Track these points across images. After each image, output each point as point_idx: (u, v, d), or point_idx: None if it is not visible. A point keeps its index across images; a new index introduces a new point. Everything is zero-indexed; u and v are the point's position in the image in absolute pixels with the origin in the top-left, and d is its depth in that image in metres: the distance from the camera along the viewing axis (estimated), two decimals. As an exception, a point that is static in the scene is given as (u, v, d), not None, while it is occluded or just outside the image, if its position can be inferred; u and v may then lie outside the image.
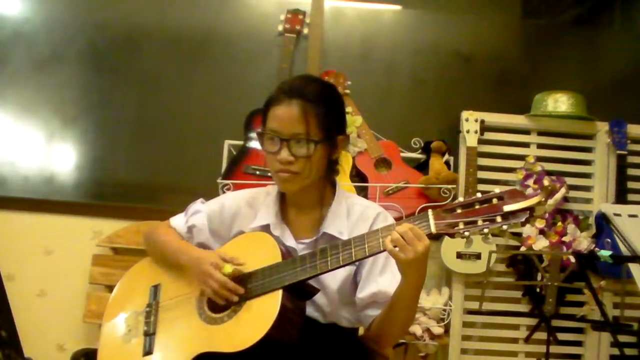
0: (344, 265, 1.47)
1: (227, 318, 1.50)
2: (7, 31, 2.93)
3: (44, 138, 2.90)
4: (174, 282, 1.67)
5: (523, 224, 1.30)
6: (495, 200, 1.34)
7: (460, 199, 1.39)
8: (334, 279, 1.57)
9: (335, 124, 1.59)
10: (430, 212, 1.39)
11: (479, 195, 1.37)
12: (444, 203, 2.59)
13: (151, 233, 1.79)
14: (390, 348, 1.75)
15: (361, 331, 1.78)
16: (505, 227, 1.33)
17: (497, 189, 1.37)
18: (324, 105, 1.55)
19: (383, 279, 1.55)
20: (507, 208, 1.32)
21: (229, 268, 1.50)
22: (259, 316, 1.45)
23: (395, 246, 1.38)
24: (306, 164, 1.53)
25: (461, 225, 1.35)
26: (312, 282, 1.53)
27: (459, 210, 1.37)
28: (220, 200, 1.77)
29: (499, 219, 1.33)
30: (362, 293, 1.57)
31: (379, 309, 1.56)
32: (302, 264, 1.48)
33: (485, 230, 1.34)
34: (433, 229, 1.37)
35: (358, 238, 1.45)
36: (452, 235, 1.37)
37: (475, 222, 1.34)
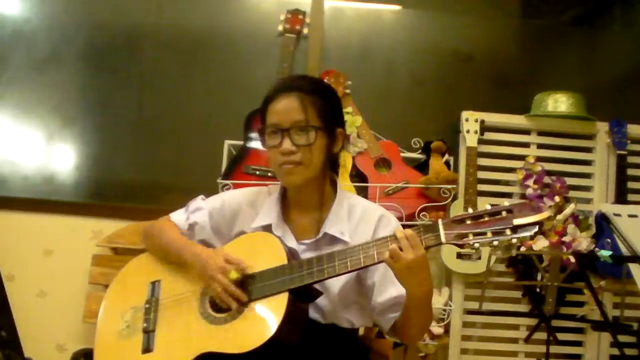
0: (352, 271, 1.47)
1: (231, 318, 1.50)
2: (7, 31, 2.93)
3: (44, 138, 2.89)
4: (175, 279, 1.66)
5: (532, 238, 1.31)
6: (504, 213, 1.36)
7: (470, 210, 1.40)
8: (336, 282, 1.57)
9: (333, 115, 1.62)
10: (440, 222, 1.40)
11: (488, 207, 1.38)
12: (444, 203, 2.62)
13: (151, 228, 1.78)
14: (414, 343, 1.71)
15: (361, 331, 1.78)
16: (514, 240, 1.34)
17: (506, 202, 1.38)
18: (321, 96, 1.60)
19: None
20: (517, 222, 1.33)
21: (234, 274, 1.50)
22: (265, 318, 1.45)
23: (391, 257, 1.39)
24: (307, 152, 1.55)
25: (471, 237, 1.36)
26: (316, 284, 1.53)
27: (468, 222, 1.38)
28: (221, 197, 1.77)
29: (508, 232, 1.34)
30: (382, 297, 1.58)
31: (400, 310, 1.56)
32: (309, 268, 1.48)
33: (495, 243, 1.35)
34: (443, 240, 1.38)
35: (366, 244, 1.46)
36: (461, 246, 1.38)
37: (484, 233, 1.35)
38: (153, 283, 1.70)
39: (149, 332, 1.62)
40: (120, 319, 1.68)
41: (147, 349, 1.60)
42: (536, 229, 1.33)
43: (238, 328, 1.48)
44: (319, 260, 1.48)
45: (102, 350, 1.68)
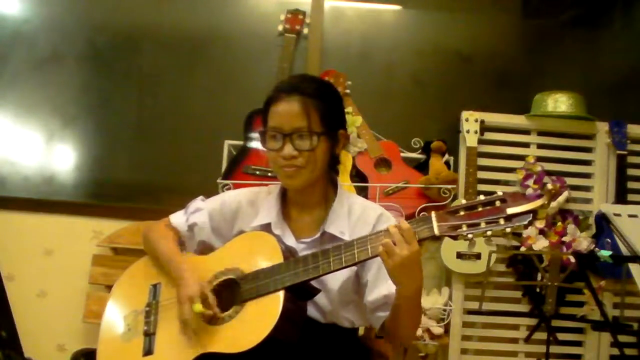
0: (346, 267, 1.46)
1: (229, 319, 1.50)
2: (7, 31, 2.93)
3: (44, 138, 2.90)
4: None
5: (525, 227, 1.29)
6: (498, 203, 1.34)
7: (463, 201, 1.38)
8: (335, 280, 1.57)
9: (335, 118, 1.61)
10: (433, 214, 1.38)
11: (481, 197, 1.37)
12: (444, 203, 2.62)
13: (150, 232, 1.78)
14: (405, 344, 1.71)
15: (361, 331, 1.78)
16: (508, 229, 1.33)
17: (500, 191, 1.36)
18: (323, 99, 1.57)
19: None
20: (510, 211, 1.32)
21: (198, 307, 1.48)
22: (261, 317, 1.45)
23: (385, 251, 1.38)
24: (310, 157, 1.54)
25: (464, 228, 1.35)
26: (313, 282, 1.53)
27: (461, 213, 1.36)
28: (221, 197, 1.76)
29: (502, 221, 1.32)
30: (372, 296, 1.57)
31: (389, 310, 1.55)
32: (304, 265, 1.47)
33: (489, 233, 1.34)
34: (436, 231, 1.37)
35: (361, 239, 1.45)
36: (455, 238, 1.37)
37: (478, 224, 1.34)
38: (154, 286, 1.70)
39: (149, 335, 1.62)
40: (122, 322, 1.69)
41: (148, 351, 1.60)
42: (530, 217, 1.31)
43: (235, 328, 1.48)
44: (314, 257, 1.48)
45: (105, 354, 1.68)
